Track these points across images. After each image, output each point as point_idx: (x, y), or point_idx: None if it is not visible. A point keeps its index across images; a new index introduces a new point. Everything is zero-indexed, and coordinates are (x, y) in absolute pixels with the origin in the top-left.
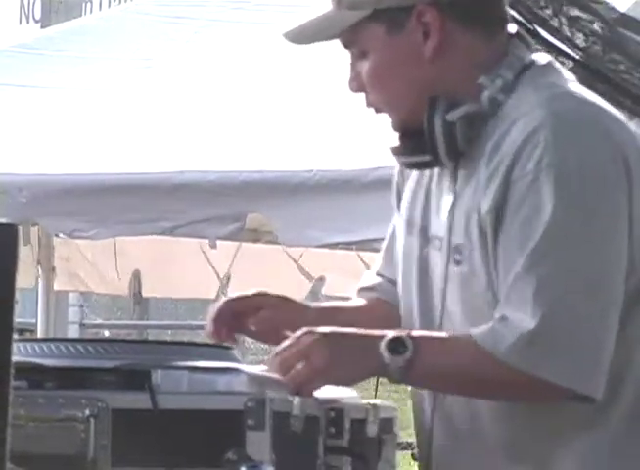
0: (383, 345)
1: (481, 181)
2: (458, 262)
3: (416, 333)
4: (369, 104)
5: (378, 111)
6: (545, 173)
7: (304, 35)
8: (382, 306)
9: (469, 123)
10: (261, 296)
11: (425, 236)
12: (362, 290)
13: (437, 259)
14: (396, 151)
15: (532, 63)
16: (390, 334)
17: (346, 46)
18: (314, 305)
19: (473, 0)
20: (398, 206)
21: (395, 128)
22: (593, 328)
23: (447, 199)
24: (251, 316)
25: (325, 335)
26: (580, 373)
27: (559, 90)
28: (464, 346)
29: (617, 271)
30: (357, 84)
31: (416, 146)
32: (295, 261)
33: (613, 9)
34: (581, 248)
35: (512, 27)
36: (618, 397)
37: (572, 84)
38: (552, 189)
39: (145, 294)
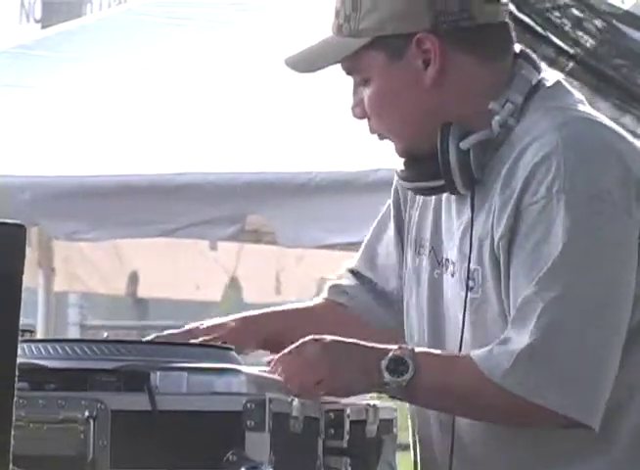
0: (384, 364)
1: (496, 207)
2: (471, 289)
3: (418, 350)
4: (372, 130)
5: (382, 137)
6: (556, 200)
7: (306, 62)
8: (344, 315)
9: (482, 150)
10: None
11: (436, 259)
12: (333, 288)
13: (450, 285)
14: (405, 177)
15: (540, 83)
16: (392, 352)
17: (348, 73)
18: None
19: (473, 27)
20: (398, 220)
21: (400, 154)
22: (594, 356)
23: (459, 224)
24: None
25: (329, 345)
26: (576, 400)
27: (570, 114)
28: (464, 367)
29: (624, 301)
30: (360, 110)
31: (426, 172)
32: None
33: (617, 7)
34: (590, 275)
35: (516, 47)
36: (620, 427)
37: (583, 106)
38: (563, 215)
39: (149, 295)
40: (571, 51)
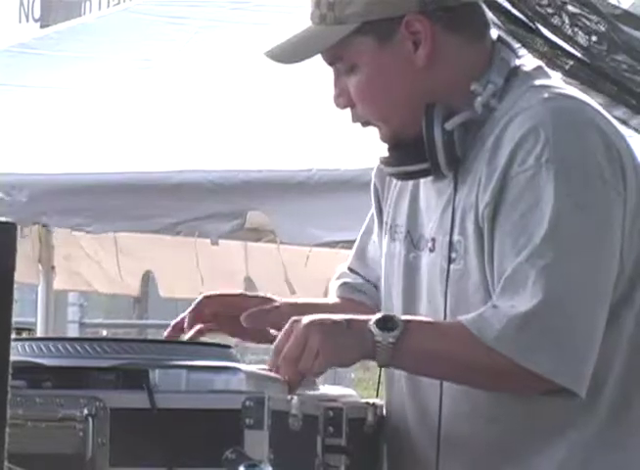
0: (372, 322)
1: (481, 179)
2: (453, 260)
3: (406, 317)
4: (356, 119)
5: (365, 125)
6: (545, 169)
7: (289, 53)
8: (364, 312)
9: (464, 130)
10: (242, 296)
11: (411, 241)
12: (345, 286)
13: (429, 261)
14: (388, 162)
15: (519, 66)
16: (380, 314)
17: (331, 62)
18: (287, 301)
19: (459, 6)
20: (378, 211)
21: (386, 140)
22: (584, 323)
23: (439, 202)
24: (228, 316)
25: (313, 320)
26: (566, 366)
27: (555, 90)
28: (453, 329)
29: (610, 270)
30: (345, 99)
31: (410, 156)
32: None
33: (615, 6)
34: (581, 245)
35: (494, 32)
36: (599, 400)
37: (564, 86)
38: (552, 185)
39: (151, 294)
40: (570, 49)
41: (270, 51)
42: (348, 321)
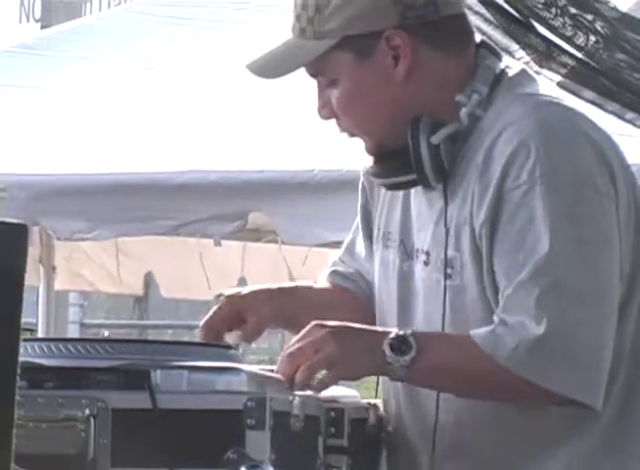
0: (387, 344)
1: (474, 195)
2: (449, 276)
3: (420, 331)
4: (342, 129)
5: (352, 135)
6: (539, 184)
7: (270, 68)
8: (352, 300)
9: (451, 142)
10: (250, 296)
11: (405, 251)
12: (336, 274)
13: (424, 274)
14: (375, 173)
15: (503, 71)
16: (395, 333)
17: (313, 75)
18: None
19: (439, 20)
20: (364, 211)
21: (370, 152)
22: (594, 337)
23: (431, 214)
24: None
25: (335, 328)
26: (581, 383)
27: (540, 99)
28: (466, 347)
29: (614, 280)
30: (327, 111)
31: (397, 167)
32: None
33: (614, 9)
34: (581, 258)
35: (477, 38)
36: (603, 407)
37: (550, 91)
38: (547, 199)
39: (152, 294)
40: (568, 48)
41: (251, 65)
42: (365, 336)
